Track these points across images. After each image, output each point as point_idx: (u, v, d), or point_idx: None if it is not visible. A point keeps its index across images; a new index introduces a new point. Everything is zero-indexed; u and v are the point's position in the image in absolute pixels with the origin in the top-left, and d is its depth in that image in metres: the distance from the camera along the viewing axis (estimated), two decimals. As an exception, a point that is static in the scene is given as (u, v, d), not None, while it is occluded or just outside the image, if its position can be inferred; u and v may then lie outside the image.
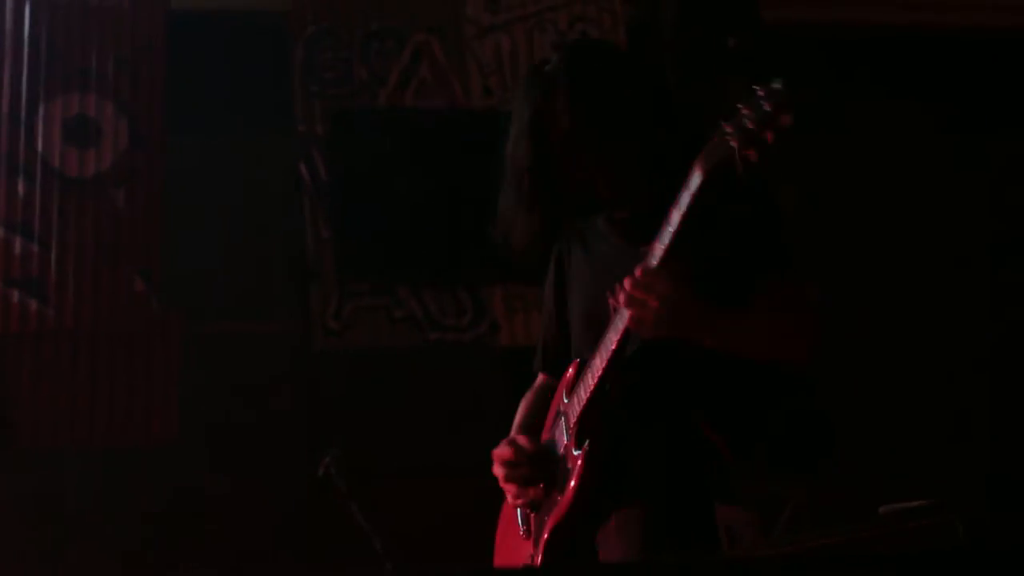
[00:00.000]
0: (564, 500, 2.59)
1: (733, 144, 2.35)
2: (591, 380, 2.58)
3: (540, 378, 2.98)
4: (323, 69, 5.46)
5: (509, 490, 2.75)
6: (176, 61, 5.33)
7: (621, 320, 2.51)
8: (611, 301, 2.53)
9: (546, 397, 2.87)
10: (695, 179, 2.41)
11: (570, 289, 2.85)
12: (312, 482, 4.17)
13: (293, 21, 5.50)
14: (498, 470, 2.74)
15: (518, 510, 2.78)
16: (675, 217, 2.44)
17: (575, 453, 2.58)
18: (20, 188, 5.13)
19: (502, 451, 2.74)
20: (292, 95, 5.42)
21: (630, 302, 2.47)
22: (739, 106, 2.36)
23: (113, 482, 5.00)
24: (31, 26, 5.25)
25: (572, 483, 2.57)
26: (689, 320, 2.49)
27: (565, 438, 2.64)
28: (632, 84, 2.75)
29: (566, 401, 2.68)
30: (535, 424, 2.85)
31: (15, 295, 5.06)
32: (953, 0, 6.13)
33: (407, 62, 5.49)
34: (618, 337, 2.52)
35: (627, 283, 2.48)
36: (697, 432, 2.64)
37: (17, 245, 5.09)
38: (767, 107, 2.29)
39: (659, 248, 2.47)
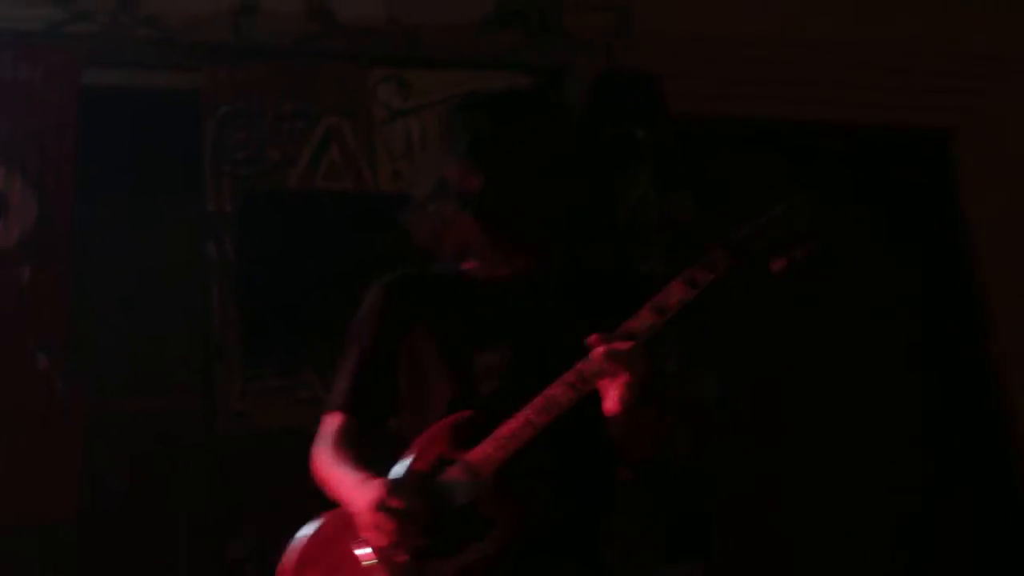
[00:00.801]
0: (477, 551, 2.54)
1: (764, 246, 2.47)
2: (521, 431, 2.54)
3: (342, 417, 2.91)
4: (234, 149, 5.46)
5: (390, 538, 2.58)
6: (87, 137, 5.32)
7: (581, 380, 2.53)
8: (582, 367, 2.52)
9: (358, 442, 2.83)
10: (715, 265, 2.52)
11: (413, 333, 2.84)
12: (221, 569, 4.15)
13: (205, 100, 5.50)
14: (377, 517, 2.58)
15: (365, 552, 2.62)
16: (679, 293, 2.53)
17: (498, 502, 2.55)
18: (-77, 262, 5.09)
19: (389, 496, 2.60)
20: (202, 174, 5.41)
21: (621, 362, 2.47)
22: (764, 214, 2.49)
23: (10, 561, 4.94)
24: (-59, 98, 5.24)
25: (501, 531, 2.53)
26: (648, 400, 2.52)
27: (470, 488, 2.56)
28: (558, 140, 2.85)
29: (461, 448, 2.62)
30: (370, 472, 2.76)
31: (-88, 372, 5.00)
32: (859, 98, 6.32)
33: (318, 144, 5.52)
34: (572, 395, 2.52)
35: (620, 346, 2.49)
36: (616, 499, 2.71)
37: (-83, 320, 5.04)
38: (804, 226, 2.42)
39: (649, 319, 2.53)
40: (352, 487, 2.70)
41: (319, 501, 5.03)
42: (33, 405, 5.03)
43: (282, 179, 5.49)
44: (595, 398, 2.57)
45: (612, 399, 2.48)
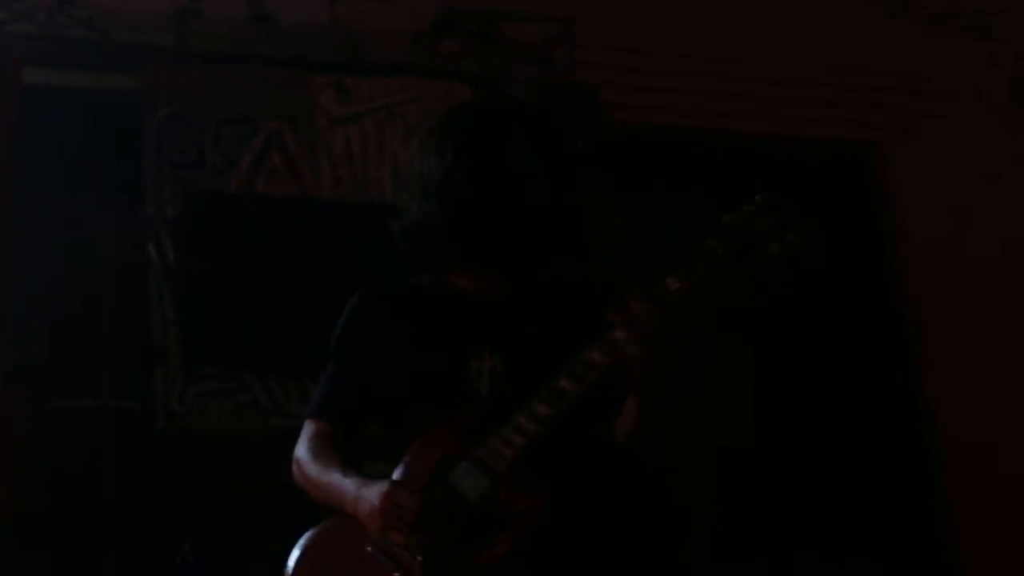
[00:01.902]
0: (498, 546, 2.52)
1: (756, 234, 2.54)
2: (529, 426, 2.56)
3: (323, 425, 2.90)
4: (175, 152, 5.44)
5: (403, 538, 2.56)
6: (26, 137, 5.30)
7: (593, 361, 2.57)
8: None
9: (339, 448, 2.82)
10: (712, 250, 2.61)
11: (397, 341, 2.84)
12: (168, 570, 4.15)
13: (146, 102, 5.49)
14: (388, 518, 2.57)
15: (379, 551, 2.58)
16: (674, 283, 2.60)
17: (516, 493, 2.54)
18: None
19: (398, 495, 2.59)
20: (143, 176, 5.41)
21: (638, 326, 2.53)
22: (751, 204, 2.56)
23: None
24: None
25: (521, 524, 2.52)
26: (662, 370, 2.59)
27: (484, 483, 2.55)
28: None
29: (463, 447, 2.61)
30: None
31: None
32: (789, 112, 6.45)
33: (259, 149, 5.53)
34: (579, 386, 2.56)
35: (638, 306, 2.54)
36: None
37: None
38: (791, 211, 2.50)
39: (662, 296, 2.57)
40: (354, 491, 2.70)
41: (258, 502, 5.09)
42: (-27, 405, 5.03)
43: (223, 183, 5.48)
44: (597, 395, 2.63)
45: (632, 363, 2.55)
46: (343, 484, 2.75)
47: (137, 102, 5.50)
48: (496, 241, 2.77)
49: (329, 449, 2.86)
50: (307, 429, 2.93)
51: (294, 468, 2.91)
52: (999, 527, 6.12)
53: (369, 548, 2.59)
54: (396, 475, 2.69)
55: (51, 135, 5.35)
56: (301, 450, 2.90)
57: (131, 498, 5.11)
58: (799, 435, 6.15)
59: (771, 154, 6.39)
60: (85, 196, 5.47)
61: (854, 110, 6.71)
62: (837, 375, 6.37)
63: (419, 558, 2.53)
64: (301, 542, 2.74)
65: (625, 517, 2.81)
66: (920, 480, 6.38)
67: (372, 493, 2.64)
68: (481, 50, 5.98)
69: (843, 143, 6.77)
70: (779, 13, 6.49)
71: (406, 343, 2.83)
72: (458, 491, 2.56)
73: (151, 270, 5.30)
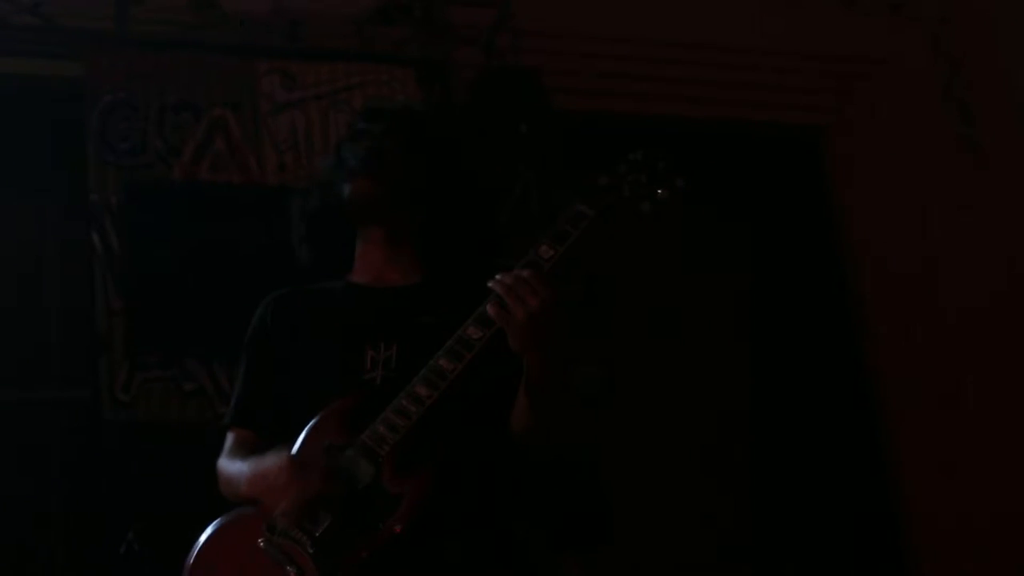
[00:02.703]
0: (386, 530, 2.51)
1: (626, 193, 2.55)
2: (410, 407, 2.55)
3: (240, 434, 2.90)
4: (118, 139, 5.41)
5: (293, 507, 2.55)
6: (-34, 124, 5.29)
7: (469, 338, 2.55)
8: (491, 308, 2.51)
9: (256, 449, 2.80)
10: (583, 213, 2.58)
11: (302, 339, 2.85)
12: (114, 558, 4.14)
13: (88, 89, 5.44)
14: (282, 478, 2.57)
15: (271, 546, 2.55)
16: (548, 251, 2.56)
17: (401, 477, 2.54)
18: None
19: (284, 463, 2.59)
20: (86, 163, 5.36)
21: (512, 295, 2.47)
22: (622, 162, 2.57)
23: None
24: None
25: (407, 506, 2.51)
26: (550, 338, 2.52)
27: (369, 468, 2.55)
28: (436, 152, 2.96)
29: (348, 434, 2.60)
30: None
31: None
32: (735, 96, 6.49)
33: (203, 136, 5.50)
34: (457, 364, 2.55)
35: (509, 279, 2.50)
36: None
37: None
38: (661, 166, 2.51)
39: (536, 264, 2.54)
40: (249, 471, 2.71)
41: (204, 491, 5.08)
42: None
43: (166, 170, 5.46)
44: (483, 376, 2.62)
45: (514, 332, 2.50)
46: (242, 468, 2.77)
47: (79, 89, 5.47)
48: (404, 248, 2.88)
49: (239, 451, 2.86)
50: (227, 440, 2.94)
51: (218, 479, 2.91)
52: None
53: (261, 543, 2.58)
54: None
55: (-7, 121, 5.31)
56: (220, 460, 2.90)
57: (77, 488, 5.08)
58: (736, 419, 6.18)
59: (717, 138, 6.42)
60: (29, 184, 5.42)
61: (800, 94, 6.75)
62: (783, 352, 6.41)
63: (310, 551, 2.53)
64: (200, 539, 2.74)
65: (521, 502, 2.83)
66: (866, 455, 6.42)
67: (267, 466, 2.65)
68: (425, 35, 5.98)
69: (790, 127, 6.80)
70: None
71: (308, 339, 2.86)
72: (344, 479, 2.56)
73: (95, 258, 5.27)
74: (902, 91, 6.87)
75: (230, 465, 2.84)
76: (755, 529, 6.06)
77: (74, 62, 5.52)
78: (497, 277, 2.53)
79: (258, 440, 2.84)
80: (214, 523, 2.76)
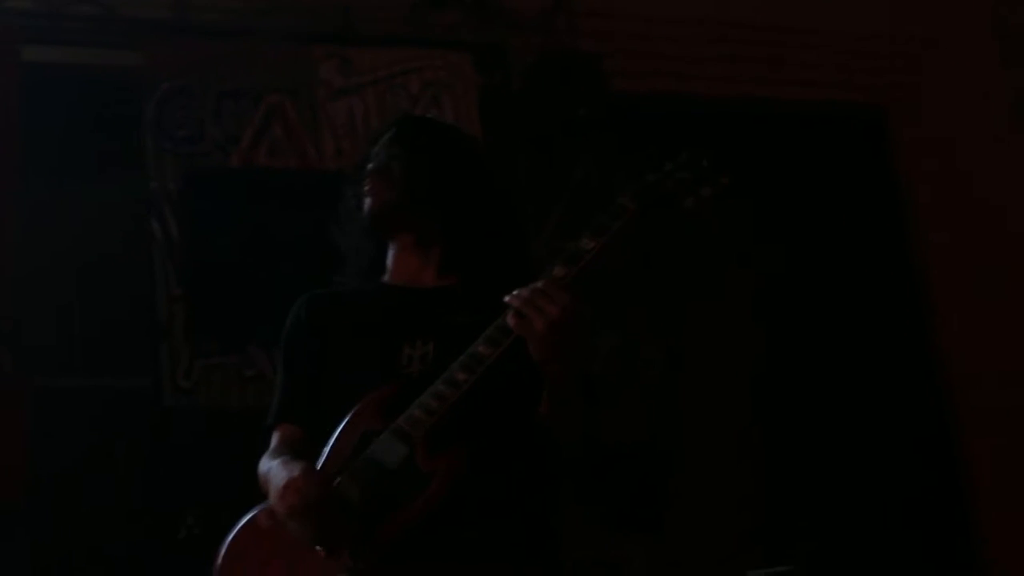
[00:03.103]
0: (418, 506, 2.51)
1: (670, 189, 2.55)
2: (446, 391, 2.56)
3: (284, 431, 2.88)
4: (176, 127, 5.44)
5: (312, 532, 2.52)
6: (28, 115, 5.30)
7: (502, 332, 2.55)
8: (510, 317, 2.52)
9: (303, 448, 2.78)
10: (625, 207, 2.58)
11: (338, 338, 2.85)
12: (173, 544, 4.15)
13: (146, 77, 5.49)
14: (298, 499, 2.52)
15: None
16: (590, 243, 2.56)
17: (433, 456, 2.54)
18: None
19: (303, 480, 2.54)
20: (144, 151, 5.41)
21: (529, 306, 2.48)
22: (668, 162, 2.58)
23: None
24: None
25: (435, 486, 2.51)
26: (576, 345, 2.53)
27: (402, 450, 2.55)
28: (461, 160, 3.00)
29: (386, 420, 2.60)
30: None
31: None
32: (796, 76, 6.44)
33: (260, 122, 5.53)
34: (495, 350, 2.55)
35: (527, 292, 2.50)
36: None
37: None
38: (706, 164, 2.51)
39: (562, 271, 2.55)
40: (279, 474, 2.66)
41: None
42: (-22, 384, 5.03)
43: (224, 157, 5.49)
44: (520, 367, 2.59)
45: (534, 343, 2.49)
46: (271, 467, 2.75)
47: (137, 77, 5.49)
48: (436, 251, 2.90)
49: (284, 448, 2.84)
50: (272, 441, 2.92)
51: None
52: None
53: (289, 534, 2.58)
54: (321, 458, 2.69)
55: (53, 113, 5.33)
56: (261, 461, 2.87)
57: (138, 474, 5.10)
58: (804, 402, 6.13)
59: (779, 118, 6.37)
60: (88, 173, 5.45)
61: (864, 73, 6.68)
62: (849, 335, 6.36)
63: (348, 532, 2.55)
64: (233, 528, 2.74)
65: (553, 484, 2.82)
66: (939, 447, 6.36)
67: (279, 479, 2.63)
68: (479, 19, 5.97)
69: (853, 106, 6.73)
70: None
71: (344, 336, 2.86)
72: (377, 461, 2.57)
73: (155, 246, 5.31)
74: (964, 68, 6.78)
75: (265, 463, 2.82)
76: (815, 512, 6.00)
77: (132, 51, 5.56)
78: (515, 292, 2.53)
79: (303, 436, 2.84)
80: (247, 514, 2.76)
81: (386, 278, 2.95)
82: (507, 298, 2.53)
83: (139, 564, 4.81)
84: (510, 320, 2.53)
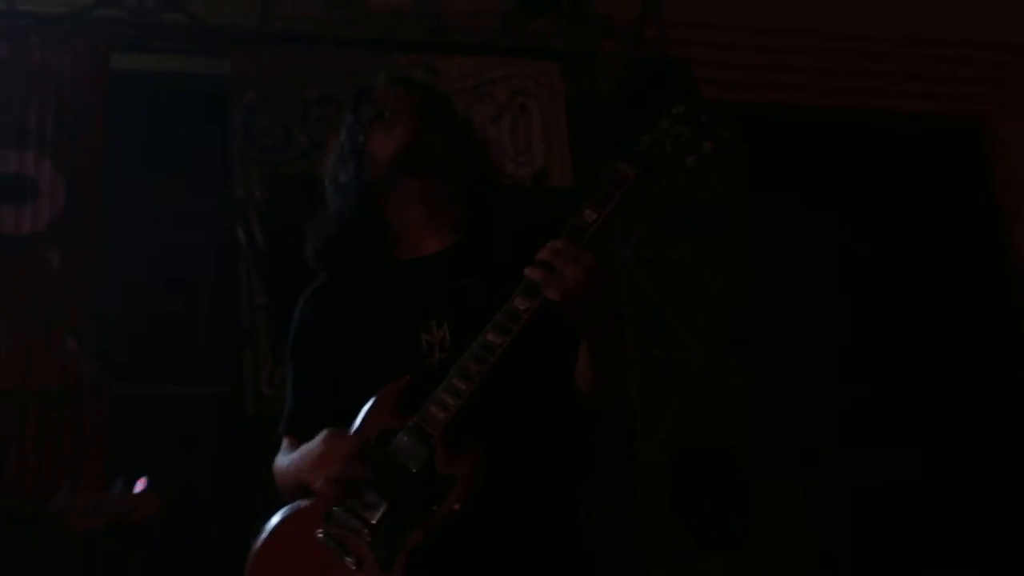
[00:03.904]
0: (441, 512, 2.42)
1: (668, 149, 2.44)
2: (461, 384, 2.45)
3: (292, 441, 2.75)
4: (262, 134, 5.45)
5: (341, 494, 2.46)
6: (116, 121, 5.32)
7: (517, 311, 2.45)
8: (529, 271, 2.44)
9: None
10: (625, 173, 2.45)
11: (349, 331, 2.72)
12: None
13: (233, 86, 5.51)
14: (336, 467, 2.46)
15: (329, 538, 2.47)
16: (591, 215, 2.45)
17: (453, 458, 2.45)
18: (-46, 244, 5.09)
19: (337, 445, 2.49)
20: (230, 158, 5.41)
21: (559, 262, 2.40)
22: (664, 118, 2.46)
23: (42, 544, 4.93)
24: (-30, 81, 5.25)
25: (458, 490, 2.42)
26: (599, 302, 2.45)
27: (422, 451, 2.45)
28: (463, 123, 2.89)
29: (403, 416, 2.50)
30: None
31: (-55, 351, 5.00)
32: (891, 87, 6.34)
33: (346, 130, 5.49)
34: (505, 337, 2.45)
35: (547, 252, 2.41)
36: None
37: (-51, 302, 5.04)
38: (704, 119, 2.39)
39: (570, 236, 2.45)
40: (296, 457, 2.62)
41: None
42: (62, 388, 5.03)
43: (309, 165, 5.47)
44: (535, 352, 2.51)
45: (563, 305, 2.40)
46: (291, 456, 2.68)
47: (224, 85, 5.50)
48: (442, 208, 2.75)
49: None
50: (282, 445, 2.82)
51: (274, 479, 2.80)
52: None
53: (319, 534, 2.50)
54: None
55: (140, 120, 5.34)
56: (275, 463, 2.79)
57: (218, 480, 5.09)
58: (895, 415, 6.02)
59: (874, 129, 6.28)
60: (174, 181, 5.46)
61: (960, 84, 6.56)
62: (943, 346, 6.24)
63: (367, 540, 2.45)
64: (260, 533, 2.65)
65: (585, 475, 2.72)
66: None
67: (310, 445, 2.57)
68: (571, 27, 5.92)
69: (948, 118, 6.62)
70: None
71: (357, 333, 2.72)
72: (398, 464, 2.47)
73: (240, 253, 5.30)
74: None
75: (281, 460, 2.75)
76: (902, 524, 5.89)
77: (219, 59, 5.58)
78: (537, 256, 2.42)
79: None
80: (274, 517, 2.67)
81: (389, 251, 2.79)
82: (527, 271, 2.43)
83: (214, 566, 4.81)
84: (543, 288, 2.41)
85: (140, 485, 3.66)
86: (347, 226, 2.83)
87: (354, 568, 2.45)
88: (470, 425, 2.47)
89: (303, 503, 2.60)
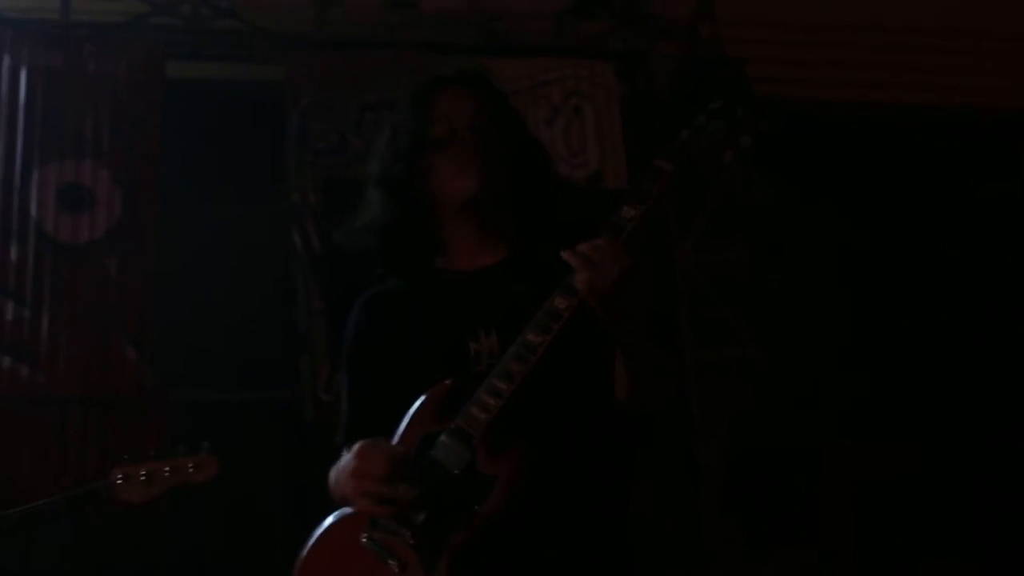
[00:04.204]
0: (483, 512, 2.41)
1: (706, 144, 2.42)
2: (502, 384, 2.44)
3: (348, 450, 2.68)
4: (317, 139, 5.47)
5: (377, 510, 2.46)
6: (171, 129, 5.34)
7: (556, 309, 2.43)
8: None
9: None
10: (662, 169, 2.45)
11: (401, 338, 2.70)
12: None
13: (288, 91, 5.53)
14: (367, 485, 2.45)
15: (373, 543, 2.48)
16: (629, 211, 2.46)
17: (494, 457, 2.44)
18: (12, 253, 5.10)
19: (367, 461, 2.46)
20: (286, 164, 5.43)
21: (591, 264, 2.38)
22: (702, 114, 2.44)
23: (100, 549, 4.96)
24: (27, 91, 5.26)
25: (500, 485, 2.41)
26: (635, 301, 2.43)
27: (464, 452, 2.44)
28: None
29: (445, 420, 2.49)
30: None
31: (6, 360, 5.00)
32: (948, 82, 6.28)
33: (401, 134, 5.49)
34: (546, 336, 2.43)
35: (586, 247, 2.40)
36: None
37: (9, 310, 5.05)
38: (740, 113, 2.36)
39: (609, 233, 2.44)
40: (343, 466, 2.58)
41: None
42: (122, 395, 5.06)
43: (364, 169, 5.45)
44: (576, 351, 2.49)
45: (597, 303, 2.39)
46: (334, 470, 2.66)
47: (279, 91, 5.52)
48: (493, 223, 2.71)
49: None
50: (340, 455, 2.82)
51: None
52: None
53: (364, 539, 2.50)
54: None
55: (196, 127, 5.36)
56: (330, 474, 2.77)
57: (280, 486, 5.11)
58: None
59: (927, 124, 6.22)
60: (230, 187, 5.48)
61: (1015, 78, 6.50)
62: (1005, 348, 6.18)
63: (411, 543, 2.45)
64: (308, 540, 2.65)
65: (628, 475, 2.66)
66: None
67: (346, 460, 2.55)
68: (624, 28, 5.90)
69: (1005, 111, 6.54)
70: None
71: (409, 338, 2.71)
72: (441, 465, 2.46)
73: (295, 258, 5.31)
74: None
75: (332, 470, 2.71)
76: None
77: (273, 65, 5.60)
78: (576, 248, 2.41)
79: None
80: (323, 523, 2.67)
81: (440, 262, 2.77)
82: (565, 254, 2.42)
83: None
84: (577, 281, 2.41)
85: (203, 449, 3.68)
86: (399, 233, 2.80)
87: (398, 571, 2.45)
88: (511, 425, 2.45)
89: (348, 509, 2.59)
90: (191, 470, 3.71)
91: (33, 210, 5.17)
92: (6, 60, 5.28)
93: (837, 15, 6.13)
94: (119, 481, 3.67)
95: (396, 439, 2.55)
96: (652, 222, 2.47)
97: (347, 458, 2.54)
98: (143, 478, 3.68)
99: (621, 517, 2.65)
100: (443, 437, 2.48)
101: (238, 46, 5.76)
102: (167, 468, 3.68)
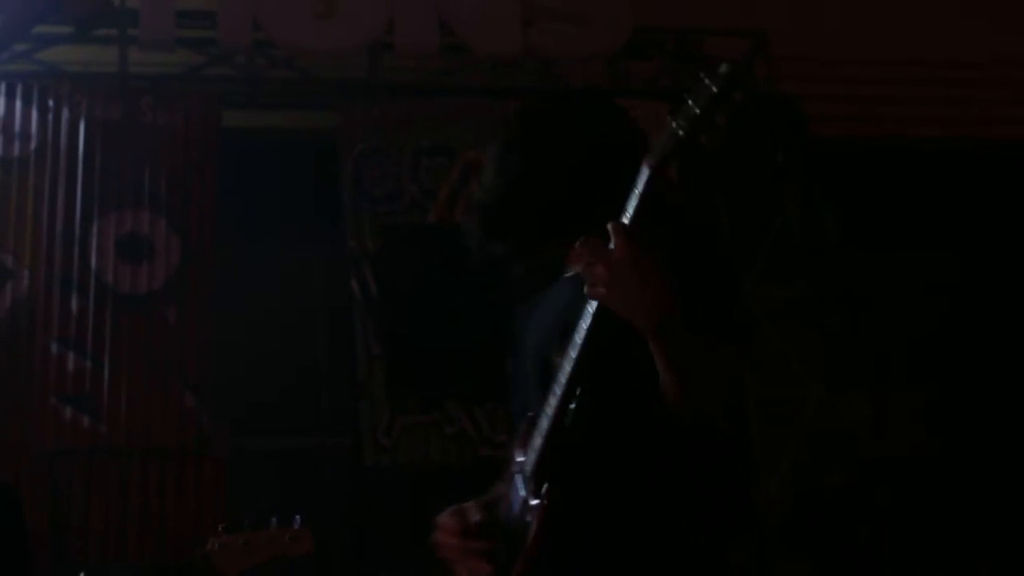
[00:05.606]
0: (525, 552, 2.37)
1: (680, 133, 2.34)
2: (544, 423, 2.37)
3: None
4: (373, 185, 5.49)
5: (462, 566, 2.51)
6: (228, 178, 5.38)
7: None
8: None
9: None
10: (643, 175, 2.30)
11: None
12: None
13: (342, 138, 5.55)
14: (446, 540, 2.52)
15: None
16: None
17: (533, 503, 2.38)
18: (74, 304, 5.15)
19: (447, 520, 2.53)
20: (342, 211, 5.45)
21: (586, 271, 2.25)
22: (685, 97, 2.36)
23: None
24: (85, 143, 5.32)
25: (532, 532, 2.36)
26: (643, 289, 2.24)
27: (523, 493, 2.40)
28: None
29: (521, 459, 2.43)
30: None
31: (68, 411, 5.05)
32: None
33: (456, 179, 5.51)
34: (571, 366, 2.32)
35: (602, 267, 2.23)
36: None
37: (70, 361, 5.09)
38: (714, 89, 2.28)
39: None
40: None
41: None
42: (182, 443, 5.08)
43: (420, 215, 5.49)
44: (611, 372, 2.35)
45: (608, 304, 2.24)
46: None
47: (333, 138, 5.54)
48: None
49: None
50: None
51: None
52: None
53: None
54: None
55: (252, 175, 5.38)
56: None
57: (341, 532, 5.09)
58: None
59: (987, 159, 6.17)
60: (287, 234, 5.50)
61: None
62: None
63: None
64: None
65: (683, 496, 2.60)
66: None
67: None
68: (677, 68, 5.89)
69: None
70: (981, 11, 6.25)
71: (523, 355, 2.65)
72: (510, 503, 2.46)
73: (354, 304, 5.32)
74: None
75: None
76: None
77: (327, 113, 5.62)
78: (586, 264, 2.27)
79: None
80: None
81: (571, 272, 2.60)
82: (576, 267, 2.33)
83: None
84: (587, 291, 2.26)
85: (295, 523, 3.68)
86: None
87: None
88: (553, 463, 2.39)
89: None
90: (288, 541, 3.70)
91: (93, 261, 5.21)
92: (65, 113, 5.34)
93: (897, 50, 6.11)
94: (217, 549, 3.66)
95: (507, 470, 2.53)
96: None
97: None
98: (242, 547, 3.66)
99: (681, 546, 2.59)
100: (517, 475, 2.45)
101: (292, 94, 5.82)
102: (264, 539, 3.67)
